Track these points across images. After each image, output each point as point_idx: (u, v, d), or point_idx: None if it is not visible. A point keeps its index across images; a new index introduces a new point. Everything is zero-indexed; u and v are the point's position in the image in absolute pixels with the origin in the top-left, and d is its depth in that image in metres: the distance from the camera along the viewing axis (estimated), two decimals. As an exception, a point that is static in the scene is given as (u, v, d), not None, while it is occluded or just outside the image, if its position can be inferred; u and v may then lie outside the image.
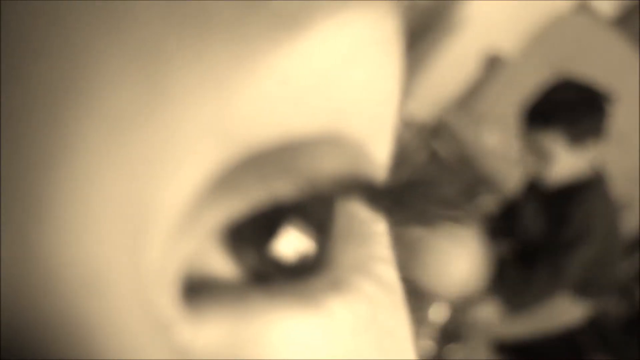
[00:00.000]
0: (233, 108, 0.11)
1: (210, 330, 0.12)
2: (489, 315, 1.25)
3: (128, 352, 0.10)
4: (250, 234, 0.13)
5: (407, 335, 0.16)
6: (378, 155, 0.14)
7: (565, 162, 1.19)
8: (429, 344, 1.25)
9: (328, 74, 0.12)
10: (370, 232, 0.15)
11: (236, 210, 0.12)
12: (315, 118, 0.12)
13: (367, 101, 0.13)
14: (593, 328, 1.28)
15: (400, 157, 0.15)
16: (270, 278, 0.13)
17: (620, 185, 1.31)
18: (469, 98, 1.73)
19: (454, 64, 1.53)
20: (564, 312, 1.28)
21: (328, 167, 0.13)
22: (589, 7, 1.56)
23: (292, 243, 0.13)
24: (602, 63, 1.53)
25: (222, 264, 0.13)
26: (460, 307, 1.24)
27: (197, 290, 0.12)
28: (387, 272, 0.15)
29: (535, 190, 1.27)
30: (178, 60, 0.10)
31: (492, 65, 1.71)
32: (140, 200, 0.10)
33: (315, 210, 0.14)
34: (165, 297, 0.11)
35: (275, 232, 0.13)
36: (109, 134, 0.10)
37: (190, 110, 0.11)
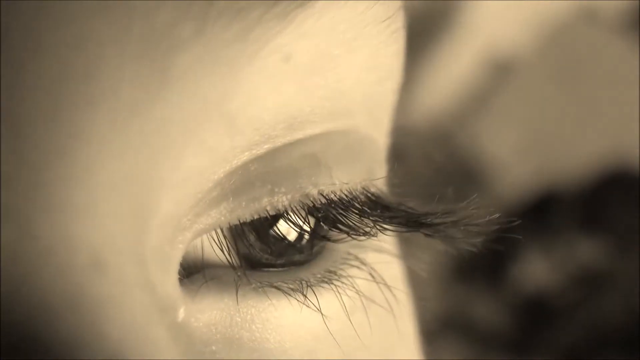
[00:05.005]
0: (238, 89, 0.11)
1: (207, 312, 0.12)
2: None
3: (130, 330, 0.10)
4: (252, 227, 0.13)
5: (406, 330, 0.16)
6: (378, 140, 0.14)
7: None
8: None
9: (330, 53, 0.12)
10: (368, 223, 0.14)
11: (240, 214, 0.12)
12: (318, 99, 0.12)
13: (368, 80, 0.13)
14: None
15: (402, 166, 0.15)
16: (265, 266, 0.13)
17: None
18: (474, 107, 1.72)
19: (458, 71, 1.53)
20: None
21: (331, 156, 0.13)
22: (597, 15, 1.56)
23: (289, 229, 0.13)
24: (610, 72, 1.53)
25: (220, 251, 0.13)
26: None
27: (196, 274, 0.12)
28: (385, 265, 0.15)
29: None
30: (180, 42, 0.10)
31: (500, 72, 1.71)
32: (143, 185, 0.10)
33: (315, 214, 0.14)
34: (166, 279, 0.11)
35: (274, 219, 0.13)
36: (112, 121, 0.10)
37: (194, 92, 0.11)
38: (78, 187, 0.10)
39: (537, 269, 1.17)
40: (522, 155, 1.34)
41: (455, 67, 1.47)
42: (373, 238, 0.14)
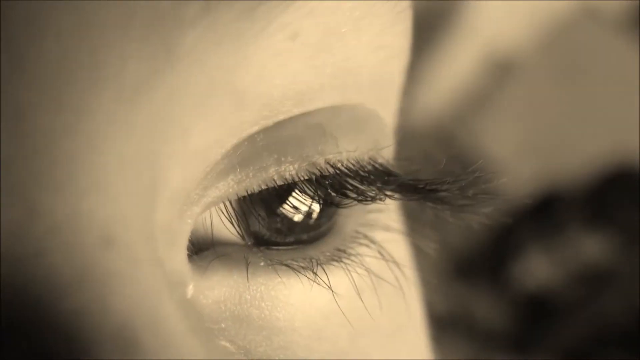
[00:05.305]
0: (245, 66, 0.11)
1: (216, 289, 0.12)
2: None
3: (139, 304, 0.10)
4: (260, 198, 0.13)
5: (414, 311, 0.16)
6: (385, 119, 0.14)
7: None
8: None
9: (337, 31, 0.12)
10: (375, 201, 0.14)
11: (248, 185, 0.12)
12: (326, 77, 0.12)
13: (376, 59, 0.13)
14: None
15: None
16: (274, 244, 0.13)
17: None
18: (475, 106, 1.72)
19: (459, 71, 1.52)
20: None
21: (336, 126, 0.13)
22: (597, 14, 1.56)
23: (299, 206, 0.13)
24: (610, 71, 1.53)
25: (230, 227, 0.13)
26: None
27: (206, 251, 0.12)
28: (393, 244, 0.15)
29: None
30: (185, 21, 0.10)
31: (501, 71, 1.71)
32: (151, 161, 0.10)
33: (323, 182, 0.13)
34: (175, 255, 0.11)
35: (281, 196, 0.13)
36: (118, 99, 0.10)
37: (201, 69, 0.11)
38: (85, 165, 0.10)
39: (539, 268, 1.16)
40: (523, 154, 1.34)
41: (456, 67, 1.47)
42: (381, 216, 0.14)
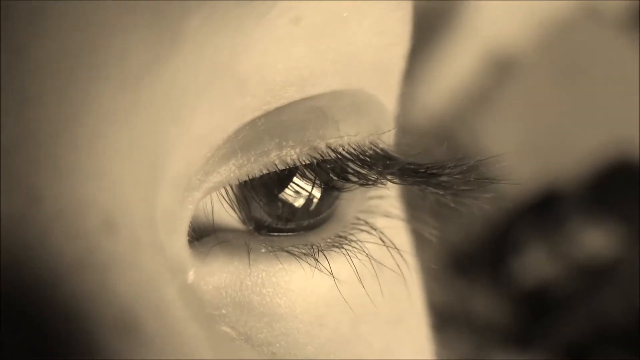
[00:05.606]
0: (247, 51, 0.11)
1: (217, 275, 0.12)
2: None
3: (140, 288, 0.10)
4: (261, 183, 0.13)
5: (416, 298, 0.16)
6: (387, 105, 0.14)
7: None
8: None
9: (339, 15, 0.12)
10: (376, 188, 0.14)
11: (249, 169, 0.12)
12: (329, 62, 0.12)
13: (378, 45, 0.13)
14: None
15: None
16: (275, 231, 0.13)
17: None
18: (476, 105, 1.72)
19: (459, 70, 1.52)
20: None
21: (337, 110, 0.13)
22: (597, 13, 1.56)
23: (300, 191, 0.13)
24: (610, 69, 1.53)
25: (231, 213, 0.13)
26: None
27: (207, 237, 0.12)
28: (394, 230, 0.15)
29: None
30: (188, 8, 0.10)
31: (501, 70, 1.71)
32: (153, 147, 0.10)
33: (324, 166, 0.13)
34: (176, 241, 0.11)
35: (282, 182, 0.13)
36: (121, 86, 0.10)
37: (203, 55, 0.11)
38: (87, 152, 0.10)
39: (539, 263, 1.16)
40: (523, 154, 1.34)
41: (456, 66, 1.47)
42: (381, 203, 0.14)
